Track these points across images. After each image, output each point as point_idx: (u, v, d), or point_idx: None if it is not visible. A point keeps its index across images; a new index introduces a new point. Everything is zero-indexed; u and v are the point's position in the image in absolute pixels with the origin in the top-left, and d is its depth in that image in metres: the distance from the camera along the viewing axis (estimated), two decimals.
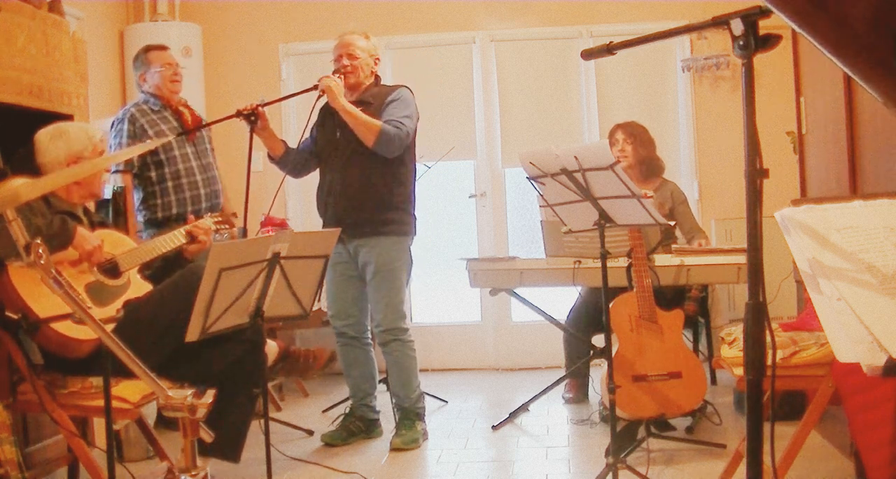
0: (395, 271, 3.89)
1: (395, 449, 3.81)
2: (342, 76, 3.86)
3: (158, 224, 3.97)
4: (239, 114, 3.78)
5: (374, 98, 3.89)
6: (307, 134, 4.01)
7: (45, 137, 3.06)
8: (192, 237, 3.27)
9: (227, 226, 3.49)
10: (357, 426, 4.01)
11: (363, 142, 3.78)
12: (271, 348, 3.43)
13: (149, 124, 3.99)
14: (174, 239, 3.22)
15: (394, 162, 3.85)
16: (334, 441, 3.93)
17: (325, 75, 3.83)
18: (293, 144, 4.09)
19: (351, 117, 3.77)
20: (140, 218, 4.05)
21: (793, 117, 4.25)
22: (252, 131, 3.81)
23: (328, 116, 3.95)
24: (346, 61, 3.89)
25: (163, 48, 4.19)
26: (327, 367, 3.76)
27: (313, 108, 3.89)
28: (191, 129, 4.09)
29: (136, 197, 4.05)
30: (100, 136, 3.16)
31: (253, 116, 3.77)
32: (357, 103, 3.85)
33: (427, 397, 4.36)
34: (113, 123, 4.05)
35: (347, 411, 4.10)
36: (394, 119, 3.78)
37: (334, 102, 3.77)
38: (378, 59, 4.01)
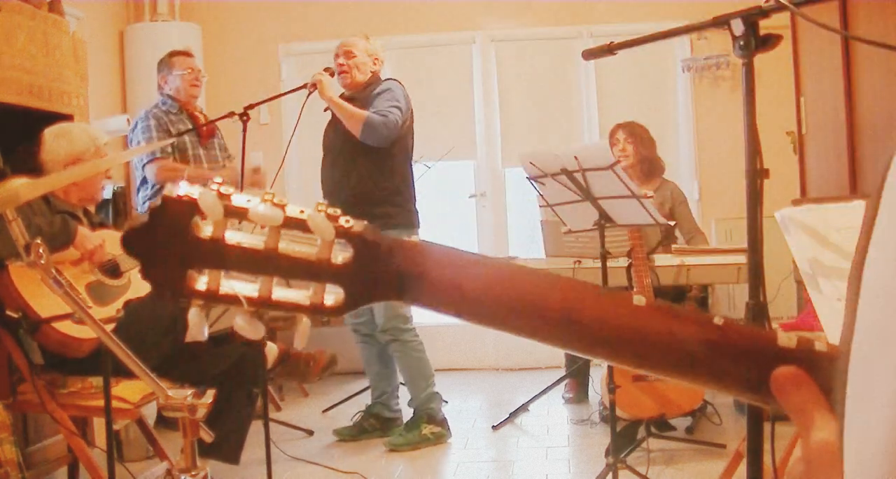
0: None
1: (388, 448, 3.81)
2: (334, 74, 3.90)
3: None
4: (232, 114, 3.83)
5: (360, 93, 3.91)
6: (297, 130, 4.03)
7: (50, 136, 3.08)
8: None
9: None
10: (371, 424, 4.00)
11: (353, 135, 3.78)
12: (271, 350, 3.43)
13: (170, 124, 4.04)
14: None
15: (381, 155, 3.82)
16: (343, 436, 3.95)
17: (317, 71, 3.87)
18: (287, 145, 4.10)
19: (338, 109, 3.80)
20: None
21: (793, 117, 4.25)
22: (245, 131, 3.84)
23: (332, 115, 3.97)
24: (341, 60, 3.92)
25: (187, 54, 4.26)
26: (327, 370, 3.75)
27: (304, 103, 3.91)
28: (202, 124, 4.14)
29: (142, 195, 4.08)
30: (104, 139, 3.16)
31: (245, 116, 3.81)
32: (347, 100, 3.88)
33: None
34: (136, 123, 4.08)
35: (365, 407, 4.10)
36: (380, 109, 3.78)
37: (322, 94, 3.79)
38: (377, 59, 4.01)
